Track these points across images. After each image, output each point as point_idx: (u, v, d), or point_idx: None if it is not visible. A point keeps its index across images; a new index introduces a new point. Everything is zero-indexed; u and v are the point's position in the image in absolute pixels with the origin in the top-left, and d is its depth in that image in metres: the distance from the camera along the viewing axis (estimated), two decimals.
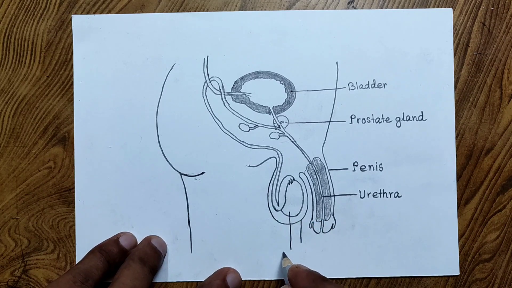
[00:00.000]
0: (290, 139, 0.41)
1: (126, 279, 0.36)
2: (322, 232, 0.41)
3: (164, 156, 0.41)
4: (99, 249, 0.38)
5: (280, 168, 0.41)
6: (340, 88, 0.41)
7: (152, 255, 0.39)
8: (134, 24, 0.42)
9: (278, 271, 0.41)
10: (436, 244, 0.41)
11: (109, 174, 0.41)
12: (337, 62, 0.42)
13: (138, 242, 0.40)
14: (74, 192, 0.41)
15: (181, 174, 0.41)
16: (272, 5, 0.42)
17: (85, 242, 0.41)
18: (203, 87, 0.41)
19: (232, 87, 0.42)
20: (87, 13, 0.42)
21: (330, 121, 0.41)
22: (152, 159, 0.41)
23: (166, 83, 0.41)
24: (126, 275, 0.36)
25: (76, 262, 0.41)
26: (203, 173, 0.41)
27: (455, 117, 0.42)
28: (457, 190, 0.41)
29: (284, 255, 0.40)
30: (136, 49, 0.42)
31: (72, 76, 0.42)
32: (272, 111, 0.41)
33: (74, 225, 0.41)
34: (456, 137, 0.42)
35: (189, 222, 0.41)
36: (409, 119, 0.41)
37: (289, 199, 0.41)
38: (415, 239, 0.41)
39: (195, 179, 0.41)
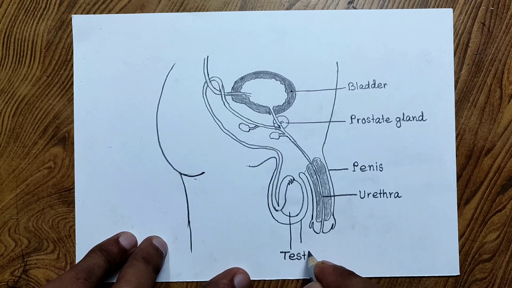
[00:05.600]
0: (290, 139, 0.41)
1: (131, 277, 0.36)
2: (322, 232, 0.41)
3: (164, 156, 0.41)
4: (99, 248, 0.38)
5: (280, 168, 0.41)
6: (340, 88, 0.41)
7: (154, 254, 0.39)
8: (134, 24, 0.42)
9: (277, 271, 0.41)
10: (436, 244, 0.41)
11: (109, 174, 0.41)
12: (337, 62, 0.42)
13: (138, 242, 0.40)
14: (74, 192, 0.41)
15: (181, 174, 0.41)
16: (272, 5, 0.42)
17: (85, 242, 0.41)
18: (203, 87, 0.41)
19: (232, 87, 0.42)
20: (87, 13, 0.42)
21: (330, 121, 0.41)
22: (152, 159, 0.41)
23: (166, 83, 0.41)
24: (131, 273, 0.36)
25: (76, 262, 0.41)
26: (203, 173, 0.41)
27: (455, 117, 0.42)
28: (457, 190, 0.41)
29: (309, 254, 0.40)
30: (136, 49, 0.42)
31: (72, 76, 0.42)
32: (272, 111, 0.41)
33: (74, 225, 0.41)
34: (456, 137, 0.42)
35: (189, 222, 0.41)
36: (409, 119, 0.41)
37: (289, 199, 0.41)
38: (415, 239, 0.41)
39: (195, 179, 0.41)
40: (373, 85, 0.41)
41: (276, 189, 0.41)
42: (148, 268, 0.38)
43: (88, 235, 0.41)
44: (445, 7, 0.42)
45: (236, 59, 0.41)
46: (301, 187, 0.41)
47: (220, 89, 0.42)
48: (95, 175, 0.41)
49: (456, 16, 0.42)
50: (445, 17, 0.42)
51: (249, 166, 0.41)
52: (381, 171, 0.41)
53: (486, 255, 0.41)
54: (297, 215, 0.41)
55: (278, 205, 0.41)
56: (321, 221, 0.41)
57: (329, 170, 0.41)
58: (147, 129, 0.41)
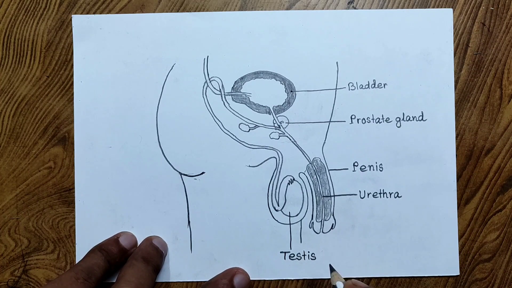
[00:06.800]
0: (290, 139, 0.41)
1: (131, 277, 0.36)
2: (322, 232, 0.41)
3: (164, 156, 0.41)
4: (99, 249, 0.38)
5: (280, 168, 0.41)
6: (340, 88, 0.41)
7: (154, 254, 0.39)
8: (134, 24, 0.42)
9: (277, 271, 0.41)
10: (436, 244, 0.41)
11: (109, 174, 0.41)
12: (337, 62, 0.42)
13: (138, 242, 0.40)
14: (74, 192, 0.41)
15: (181, 174, 0.41)
16: (272, 5, 0.42)
17: (85, 242, 0.41)
18: (203, 87, 0.41)
19: (232, 87, 0.42)
20: (87, 13, 0.42)
21: (330, 121, 0.41)
22: (152, 159, 0.41)
23: (166, 83, 0.41)
24: (131, 273, 0.36)
25: (76, 262, 0.41)
26: (203, 173, 0.41)
27: (455, 117, 0.42)
28: (457, 190, 0.41)
29: (331, 269, 0.37)
30: (136, 49, 0.42)
31: (72, 76, 0.42)
32: (272, 111, 0.41)
33: (74, 225, 0.41)
34: (456, 137, 0.42)
35: (189, 222, 0.41)
36: (409, 119, 0.41)
37: (289, 199, 0.41)
38: (415, 239, 0.41)
39: (195, 179, 0.41)
40: (373, 85, 0.41)
41: (276, 189, 0.41)
42: (148, 268, 0.38)
43: (88, 235, 0.41)
44: (445, 7, 0.42)
45: (236, 59, 0.41)
46: (301, 187, 0.41)
47: (220, 89, 0.42)
48: (95, 175, 0.41)
49: (456, 16, 0.42)
50: (445, 17, 0.42)
51: (249, 166, 0.41)
52: (381, 171, 0.41)
53: (486, 255, 0.41)
54: (297, 215, 0.41)
55: (278, 205, 0.41)
56: (321, 221, 0.41)
57: (329, 170, 0.41)
58: (147, 129, 0.41)
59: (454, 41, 0.42)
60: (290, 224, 0.41)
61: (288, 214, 0.41)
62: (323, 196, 0.41)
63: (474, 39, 0.42)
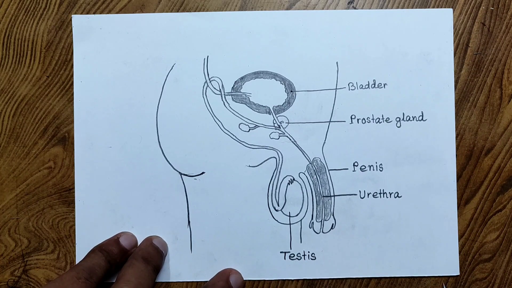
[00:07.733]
0: (290, 139, 0.41)
1: (131, 277, 0.36)
2: (322, 232, 0.41)
3: (164, 156, 0.41)
4: (99, 249, 0.38)
5: (280, 168, 0.41)
6: (340, 88, 0.41)
7: (154, 254, 0.39)
8: (134, 24, 0.42)
9: (277, 271, 0.41)
10: (436, 244, 0.41)
11: (109, 174, 0.41)
12: (337, 62, 0.42)
13: (138, 242, 0.40)
14: (74, 192, 0.41)
15: (181, 174, 0.41)
16: (272, 5, 0.42)
17: (85, 242, 0.41)
18: (203, 87, 0.41)
19: (232, 87, 0.42)
20: (87, 13, 0.42)
21: (330, 121, 0.41)
22: (152, 159, 0.41)
23: (166, 83, 0.41)
24: (131, 273, 0.36)
25: (76, 262, 0.41)
26: (203, 173, 0.41)
27: (455, 117, 0.42)
28: (457, 190, 0.41)
29: None
30: (136, 49, 0.42)
31: (72, 76, 0.42)
32: (272, 111, 0.41)
33: (74, 225, 0.41)
34: (456, 137, 0.42)
35: (189, 222, 0.41)
36: (409, 119, 0.41)
37: (289, 199, 0.41)
38: (415, 239, 0.41)
39: (195, 179, 0.41)
40: (373, 85, 0.41)
41: (276, 189, 0.41)
42: (148, 268, 0.38)
43: (88, 235, 0.41)
44: (445, 7, 0.42)
45: (236, 59, 0.41)
46: (301, 187, 0.41)
47: (220, 89, 0.42)
48: (95, 175, 0.41)
49: (456, 16, 0.42)
50: (445, 17, 0.42)
51: (249, 166, 0.41)
52: (381, 171, 0.41)
53: (486, 255, 0.41)
54: (297, 215, 0.41)
55: (278, 205, 0.41)
56: (321, 221, 0.41)
57: (329, 170, 0.41)
58: (147, 129, 0.41)
59: (454, 41, 0.42)
60: (290, 224, 0.41)
61: (288, 214, 0.41)
62: (323, 196, 0.41)
63: (474, 39, 0.42)
